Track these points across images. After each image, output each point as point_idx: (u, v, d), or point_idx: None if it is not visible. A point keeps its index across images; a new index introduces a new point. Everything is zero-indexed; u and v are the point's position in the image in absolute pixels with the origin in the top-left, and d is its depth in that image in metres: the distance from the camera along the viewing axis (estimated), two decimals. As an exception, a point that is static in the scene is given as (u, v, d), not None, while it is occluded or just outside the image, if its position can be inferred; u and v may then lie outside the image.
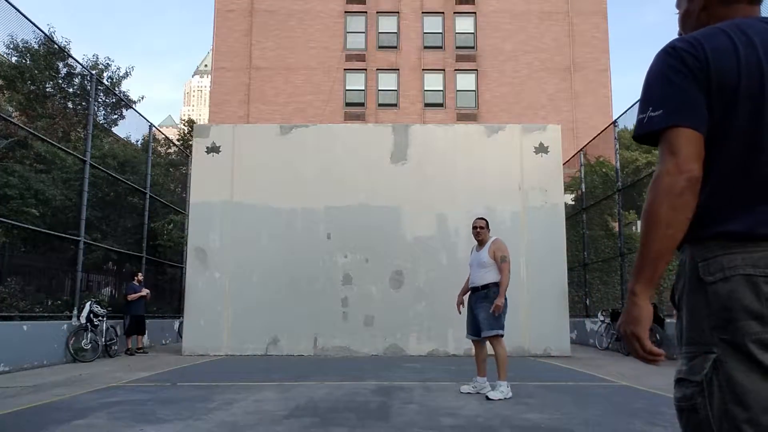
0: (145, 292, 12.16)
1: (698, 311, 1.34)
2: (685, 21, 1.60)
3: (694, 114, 1.34)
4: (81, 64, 14.10)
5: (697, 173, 1.32)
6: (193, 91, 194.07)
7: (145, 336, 12.56)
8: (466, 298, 6.50)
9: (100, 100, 15.58)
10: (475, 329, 6.20)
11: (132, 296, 11.96)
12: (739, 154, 1.34)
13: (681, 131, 1.34)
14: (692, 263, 1.37)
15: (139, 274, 12.61)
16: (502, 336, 6.04)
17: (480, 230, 6.41)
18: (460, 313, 6.59)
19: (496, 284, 6.14)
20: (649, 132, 1.39)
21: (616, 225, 15.47)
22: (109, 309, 11.54)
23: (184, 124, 28.25)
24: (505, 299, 6.12)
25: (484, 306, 6.08)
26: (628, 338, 1.37)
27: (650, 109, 1.39)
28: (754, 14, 1.46)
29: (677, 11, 1.63)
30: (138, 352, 11.86)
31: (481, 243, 6.43)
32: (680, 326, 1.41)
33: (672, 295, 1.45)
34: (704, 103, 1.35)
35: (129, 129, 16.95)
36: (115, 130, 16.46)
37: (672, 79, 1.37)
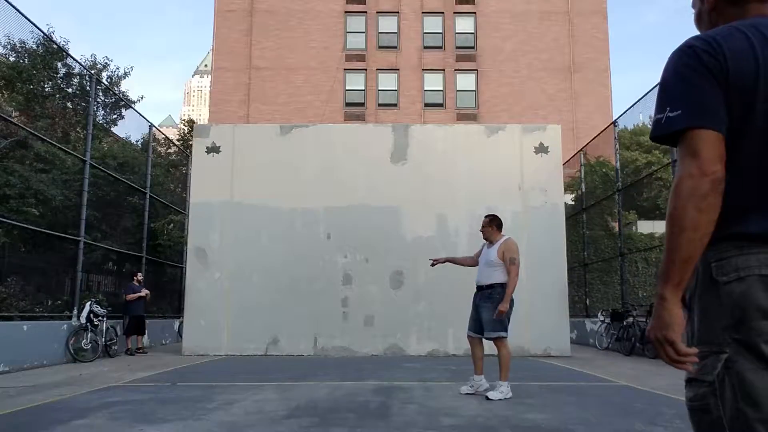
0: (144, 292, 12.11)
1: (710, 311, 1.34)
2: (699, 21, 1.59)
3: (713, 114, 1.32)
4: (80, 64, 14.11)
5: (720, 174, 1.30)
6: (193, 91, 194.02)
7: (146, 336, 12.53)
8: (471, 295, 6.32)
9: (99, 99, 15.58)
10: (477, 327, 6.08)
11: (130, 297, 11.89)
12: (756, 155, 1.33)
13: (701, 132, 1.32)
14: (705, 264, 1.36)
15: (139, 274, 12.54)
16: (505, 338, 5.97)
17: (483, 228, 6.26)
18: (432, 265, 6.60)
19: (502, 285, 6.01)
20: (667, 133, 1.37)
21: (616, 225, 15.46)
22: (109, 309, 11.53)
23: (184, 124, 28.26)
24: (512, 299, 6.04)
25: (488, 306, 5.94)
26: (659, 343, 1.34)
27: (668, 109, 1.36)
28: (767, 11, 1.45)
29: (693, 11, 1.63)
30: (138, 352, 11.83)
31: (490, 241, 6.25)
32: (691, 326, 1.40)
33: (683, 296, 1.44)
34: (723, 103, 1.33)
35: (129, 129, 16.96)
36: (114, 130, 16.48)
37: (689, 78, 1.35)
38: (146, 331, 12.49)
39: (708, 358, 1.32)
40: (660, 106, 1.39)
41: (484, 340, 6.12)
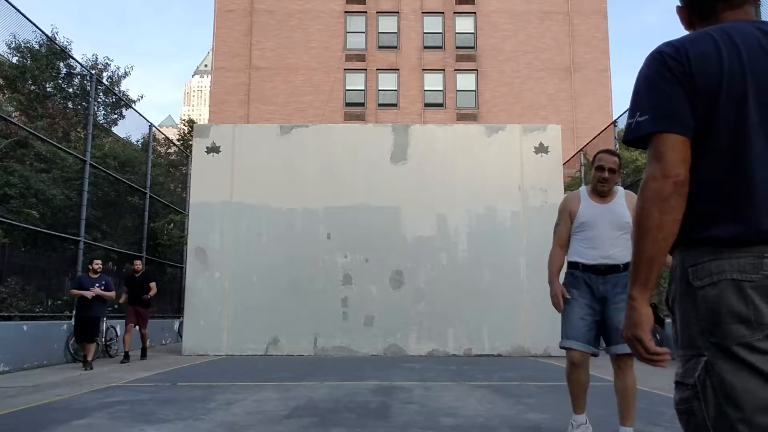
0: (104, 293, 9.51)
1: (688, 315, 1.37)
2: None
3: (679, 119, 1.37)
4: (81, 64, 14.12)
5: (682, 177, 1.35)
6: (193, 91, 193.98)
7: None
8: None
9: (100, 99, 15.59)
10: (593, 337, 3.69)
11: (75, 292, 9.51)
12: (724, 158, 1.36)
13: (666, 137, 1.37)
14: (682, 268, 1.39)
15: (96, 262, 9.77)
16: None
17: (611, 174, 3.67)
18: (564, 301, 3.75)
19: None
20: (636, 137, 1.43)
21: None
22: (109, 309, 11.51)
23: (184, 124, 28.25)
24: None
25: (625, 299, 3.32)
26: (630, 342, 1.41)
27: (638, 114, 1.42)
28: (745, 17, 1.47)
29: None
30: (85, 363, 9.06)
31: (605, 194, 3.71)
32: (675, 329, 1.44)
33: (666, 299, 1.47)
34: (689, 107, 1.37)
35: (129, 129, 17.00)
36: (115, 129, 16.50)
37: (657, 84, 1.40)
38: (97, 338, 9.78)
39: (689, 362, 1.35)
40: (631, 111, 1.45)
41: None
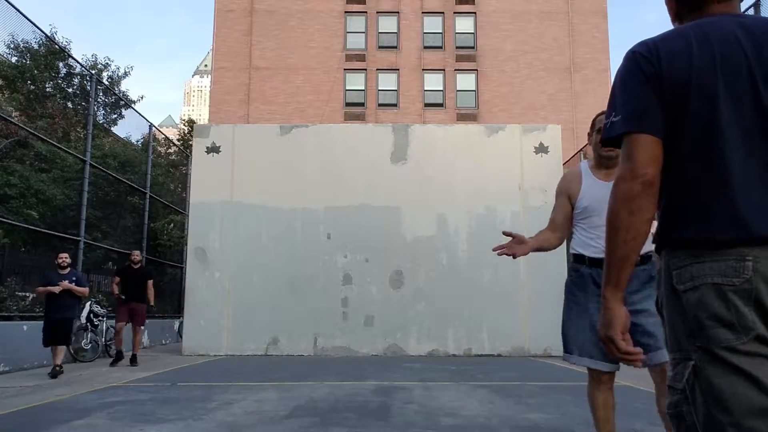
0: (73, 288, 8.22)
1: (675, 319, 1.36)
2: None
3: (649, 119, 1.36)
4: (81, 64, 14.13)
5: (651, 177, 1.34)
6: (193, 91, 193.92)
7: (69, 347, 9.16)
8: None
9: (99, 99, 15.60)
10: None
11: (40, 290, 8.30)
12: (697, 156, 1.34)
13: (636, 137, 1.37)
14: (667, 271, 1.38)
15: (60, 255, 8.53)
16: None
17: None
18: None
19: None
20: (610, 138, 1.43)
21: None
22: (109, 309, 11.52)
23: (184, 124, 28.26)
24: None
25: (652, 299, 2.77)
26: (604, 342, 1.43)
27: (613, 114, 1.42)
28: (731, 10, 1.44)
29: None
30: (56, 370, 7.90)
31: (611, 162, 2.92)
32: (665, 333, 1.43)
33: (656, 302, 1.47)
34: (660, 106, 1.36)
35: (129, 129, 17.01)
36: (115, 129, 16.52)
37: (630, 84, 1.41)
38: (70, 340, 8.75)
39: (679, 365, 1.34)
40: (608, 111, 1.45)
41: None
